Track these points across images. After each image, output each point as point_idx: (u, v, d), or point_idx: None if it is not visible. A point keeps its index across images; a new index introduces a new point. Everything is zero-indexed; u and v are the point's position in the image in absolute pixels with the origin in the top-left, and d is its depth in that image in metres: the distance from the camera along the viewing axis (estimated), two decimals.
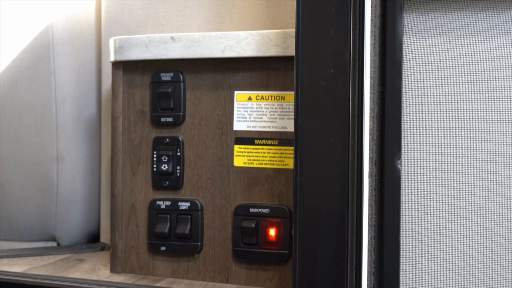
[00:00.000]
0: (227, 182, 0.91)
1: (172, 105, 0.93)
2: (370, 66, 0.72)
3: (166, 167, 0.93)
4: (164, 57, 0.92)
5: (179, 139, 0.93)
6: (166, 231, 0.92)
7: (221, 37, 0.89)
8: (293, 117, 0.75)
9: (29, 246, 1.16)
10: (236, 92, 0.90)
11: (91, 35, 1.16)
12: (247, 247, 0.89)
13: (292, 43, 0.83)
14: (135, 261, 0.96)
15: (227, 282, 0.91)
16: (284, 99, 0.88)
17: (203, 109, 0.92)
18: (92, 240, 1.19)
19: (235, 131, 0.90)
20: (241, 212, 0.90)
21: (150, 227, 0.94)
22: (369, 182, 0.72)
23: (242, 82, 0.90)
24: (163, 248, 0.93)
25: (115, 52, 0.95)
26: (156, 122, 0.94)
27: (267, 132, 0.89)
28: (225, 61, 0.90)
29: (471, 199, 0.73)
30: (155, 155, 0.94)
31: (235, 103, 0.90)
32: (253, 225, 0.88)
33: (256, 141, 0.89)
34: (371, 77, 0.72)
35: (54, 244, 1.18)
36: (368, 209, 0.72)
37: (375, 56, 0.72)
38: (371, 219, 0.72)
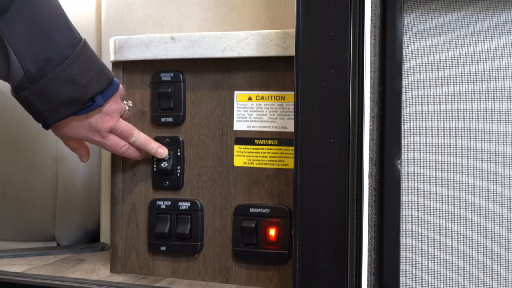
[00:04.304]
0: (227, 182, 0.91)
1: (172, 105, 0.93)
2: (370, 66, 0.72)
3: (166, 167, 0.93)
4: (164, 57, 0.92)
5: (179, 139, 0.93)
6: (166, 231, 0.92)
7: (221, 37, 0.89)
8: (293, 117, 0.75)
9: (29, 246, 1.16)
10: (236, 92, 0.90)
11: (91, 35, 1.16)
12: (247, 247, 0.89)
13: (292, 43, 0.83)
14: (135, 261, 0.96)
15: (227, 282, 0.91)
16: (284, 99, 0.88)
17: (203, 109, 0.92)
18: (92, 240, 1.19)
19: (235, 131, 0.90)
20: (241, 212, 0.90)
21: (150, 227, 0.94)
22: (369, 182, 0.72)
23: (242, 82, 0.90)
24: (163, 248, 0.93)
25: (115, 52, 0.95)
26: (156, 122, 0.94)
27: (267, 132, 0.89)
28: (225, 61, 0.90)
29: (471, 199, 0.73)
30: None
31: (235, 103, 0.90)
32: (253, 225, 0.88)
33: (256, 141, 0.89)
34: (371, 77, 0.72)
35: (54, 244, 1.18)
36: (368, 209, 0.72)
37: (375, 56, 0.72)
38: (371, 219, 0.72)
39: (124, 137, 0.89)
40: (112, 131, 0.87)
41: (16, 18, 0.76)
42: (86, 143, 0.92)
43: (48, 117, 0.82)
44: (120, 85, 0.89)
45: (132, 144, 0.90)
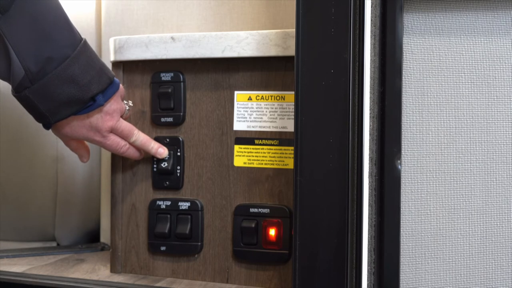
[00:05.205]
0: (227, 182, 0.91)
1: (172, 105, 0.93)
2: (370, 66, 0.72)
3: (166, 167, 0.93)
4: (164, 57, 0.92)
5: (179, 139, 0.93)
6: (166, 231, 0.92)
7: (221, 37, 0.89)
8: (293, 117, 0.75)
9: (29, 246, 1.16)
10: (236, 92, 0.90)
11: (91, 35, 1.16)
12: (247, 247, 0.89)
13: (292, 43, 0.83)
14: (135, 261, 0.96)
15: (227, 282, 0.91)
16: (284, 99, 0.88)
17: (203, 109, 0.92)
18: (92, 240, 1.19)
19: (235, 131, 0.90)
20: (241, 212, 0.90)
21: (150, 227, 0.94)
22: (369, 182, 0.72)
23: (242, 82, 0.90)
24: (163, 248, 0.93)
25: (115, 52, 0.95)
26: (156, 122, 0.94)
27: (267, 132, 0.89)
28: (225, 61, 0.90)
29: (471, 199, 0.73)
30: None
31: (235, 103, 0.90)
32: (253, 225, 0.88)
33: (256, 141, 0.89)
34: (371, 77, 0.72)
35: (54, 244, 1.18)
36: (368, 209, 0.72)
37: (375, 56, 0.72)
38: (371, 219, 0.72)
39: (125, 137, 0.89)
40: (113, 130, 0.87)
41: (16, 17, 0.76)
42: (86, 143, 0.92)
43: (49, 116, 0.82)
44: (121, 85, 0.89)
45: (132, 144, 0.90)
